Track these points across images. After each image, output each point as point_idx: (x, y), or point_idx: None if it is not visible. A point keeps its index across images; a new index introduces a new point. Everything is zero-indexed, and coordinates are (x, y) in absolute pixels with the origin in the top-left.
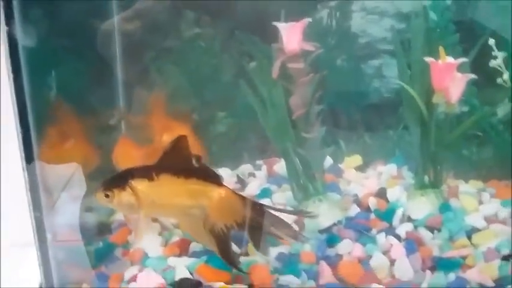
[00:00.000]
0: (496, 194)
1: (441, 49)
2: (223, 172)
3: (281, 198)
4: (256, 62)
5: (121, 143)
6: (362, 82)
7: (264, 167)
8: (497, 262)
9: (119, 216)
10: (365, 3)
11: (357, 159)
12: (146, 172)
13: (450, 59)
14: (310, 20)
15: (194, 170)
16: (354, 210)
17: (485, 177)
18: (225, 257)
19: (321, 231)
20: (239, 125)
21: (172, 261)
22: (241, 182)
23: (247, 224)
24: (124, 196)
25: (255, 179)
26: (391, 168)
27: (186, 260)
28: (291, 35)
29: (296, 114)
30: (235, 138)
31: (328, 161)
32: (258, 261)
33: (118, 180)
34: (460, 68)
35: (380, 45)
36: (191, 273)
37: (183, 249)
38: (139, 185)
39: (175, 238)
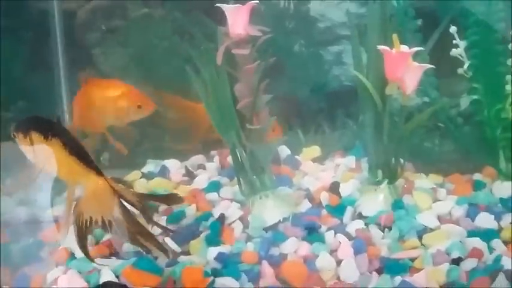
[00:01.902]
0: (454, 189)
1: (395, 37)
2: (172, 164)
3: (229, 192)
4: (201, 46)
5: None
6: (321, 69)
7: (217, 158)
8: (446, 266)
9: (54, 212)
10: None
11: (315, 151)
12: (46, 129)
13: (404, 48)
14: (257, 2)
15: (78, 148)
16: (305, 205)
17: (447, 170)
18: (81, 249)
19: (266, 229)
20: None
21: (99, 262)
22: (190, 175)
23: (113, 226)
24: (25, 143)
25: (205, 171)
26: (349, 161)
27: (113, 262)
28: (237, 19)
29: (241, 103)
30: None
31: (285, 151)
32: (195, 262)
33: (22, 125)
34: (419, 57)
35: (340, 31)
36: (117, 277)
37: (113, 249)
38: (36, 139)
39: (106, 237)
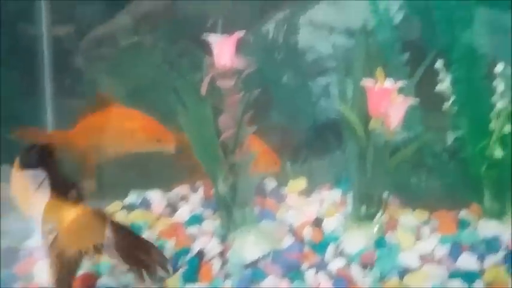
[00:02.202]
0: (438, 227)
1: (379, 71)
2: (154, 194)
3: (210, 226)
4: (186, 76)
5: None
6: (309, 101)
7: (202, 189)
8: None
9: (32, 242)
10: (313, 17)
11: (301, 183)
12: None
13: (388, 83)
14: (243, 32)
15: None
16: (287, 241)
17: (434, 206)
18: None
19: (246, 266)
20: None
21: None
22: (172, 206)
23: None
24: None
25: (187, 203)
26: (335, 194)
27: None
28: (223, 49)
29: (224, 135)
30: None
31: (272, 183)
32: None
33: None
34: (404, 91)
35: (328, 63)
36: None
37: (88, 285)
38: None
39: (80, 272)
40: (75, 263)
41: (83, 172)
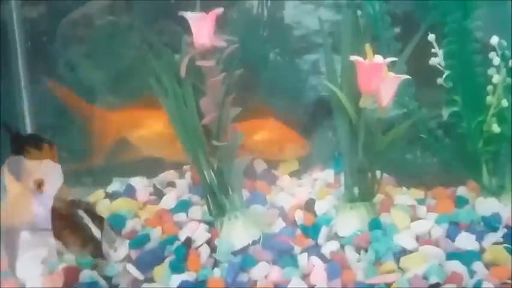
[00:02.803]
0: (435, 206)
1: (367, 47)
2: (139, 182)
3: (198, 213)
4: (164, 57)
5: None
6: (298, 78)
7: (189, 174)
8: None
9: None
10: None
11: (293, 164)
12: None
13: (378, 58)
14: (222, 9)
15: None
16: (279, 225)
17: (431, 183)
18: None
19: (234, 253)
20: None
21: None
22: (158, 193)
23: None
24: None
25: (175, 189)
26: (327, 175)
27: None
28: (201, 28)
29: (206, 118)
30: None
31: (262, 165)
32: None
33: None
34: (395, 67)
35: (316, 39)
36: None
37: (69, 279)
38: None
39: (61, 265)
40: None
41: (97, 149)
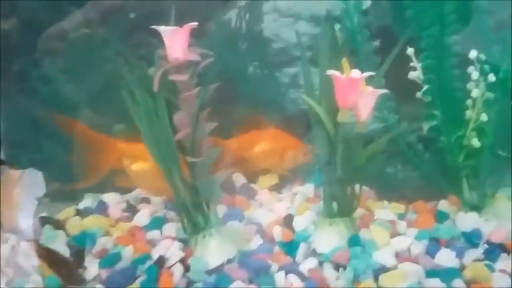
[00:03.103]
0: (415, 221)
1: (344, 61)
2: (112, 198)
3: (172, 230)
4: (137, 70)
5: None
6: (277, 92)
7: None
8: None
9: None
10: (277, 4)
11: (272, 178)
12: None
13: (356, 73)
14: (196, 24)
15: None
16: (256, 242)
17: (412, 197)
18: None
19: (209, 272)
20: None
21: None
22: (131, 209)
23: None
24: None
25: (149, 205)
26: (307, 189)
27: None
28: (174, 41)
29: (180, 134)
30: None
31: (241, 179)
32: None
33: None
34: (374, 81)
35: (295, 52)
36: None
37: None
38: None
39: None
40: None
41: (93, 174)
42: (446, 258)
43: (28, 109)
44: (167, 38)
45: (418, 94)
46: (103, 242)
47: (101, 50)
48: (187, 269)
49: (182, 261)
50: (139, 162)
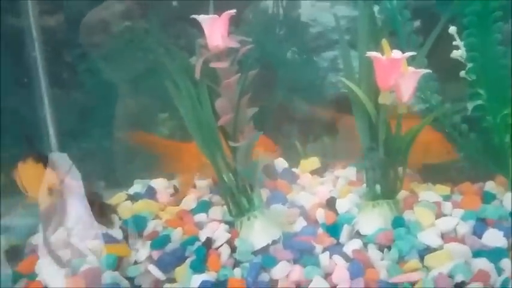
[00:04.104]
0: (461, 202)
1: (384, 42)
2: (159, 183)
3: (218, 213)
4: (178, 59)
5: None
6: (316, 76)
7: None
8: None
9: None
10: None
11: (314, 162)
12: None
13: (396, 53)
14: (234, 11)
15: None
16: (300, 224)
17: (457, 179)
18: None
19: (255, 253)
20: (183, 128)
21: None
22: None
23: None
24: None
25: (195, 189)
26: (349, 173)
27: None
28: (214, 30)
29: (222, 120)
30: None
31: (282, 164)
32: None
33: None
34: (416, 62)
35: (333, 35)
36: None
37: (91, 281)
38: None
39: (84, 267)
40: None
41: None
42: (493, 238)
43: (77, 100)
44: (207, 27)
45: (462, 73)
46: (153, 225)
47: (143, 41)
48: (233, 250)
49: (229, 242)
50: None
